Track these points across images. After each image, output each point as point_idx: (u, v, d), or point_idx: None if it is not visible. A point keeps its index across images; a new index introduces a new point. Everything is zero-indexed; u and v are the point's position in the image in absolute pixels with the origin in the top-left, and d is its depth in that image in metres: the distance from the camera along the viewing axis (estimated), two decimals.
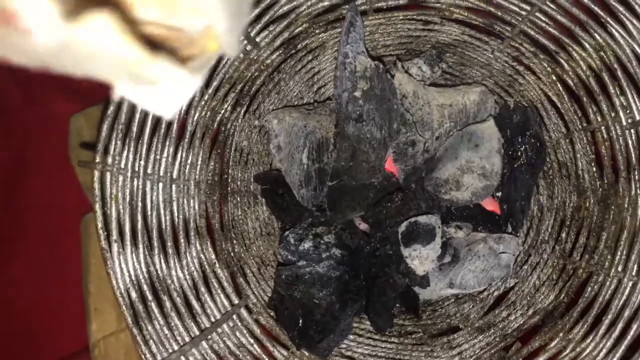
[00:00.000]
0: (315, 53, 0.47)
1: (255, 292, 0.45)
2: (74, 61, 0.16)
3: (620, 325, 0.40)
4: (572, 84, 0.44)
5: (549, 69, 0.45)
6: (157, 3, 0.15)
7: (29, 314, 0.62)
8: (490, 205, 0.49)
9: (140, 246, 0.39)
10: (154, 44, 0.16)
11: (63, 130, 0.60)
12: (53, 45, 0.14)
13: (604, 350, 0.41)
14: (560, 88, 0.45)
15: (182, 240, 0.41)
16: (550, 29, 0.43)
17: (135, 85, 0.18)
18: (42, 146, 0.66)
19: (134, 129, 0.38)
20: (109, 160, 0.37)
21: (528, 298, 0.47)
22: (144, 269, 0.38)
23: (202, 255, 0.42)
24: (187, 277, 0.41)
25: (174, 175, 0.42)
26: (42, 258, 0.62)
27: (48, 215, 0.64)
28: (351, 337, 0.47)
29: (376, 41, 0.48)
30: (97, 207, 0.37)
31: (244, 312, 0.43)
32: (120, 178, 0.38)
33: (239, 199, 0.47)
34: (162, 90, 0.18)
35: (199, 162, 0.43)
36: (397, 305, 0.50)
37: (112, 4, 0.15)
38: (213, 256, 0.43)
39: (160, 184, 0.41)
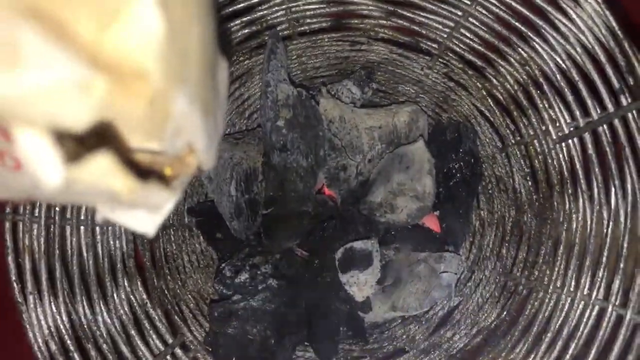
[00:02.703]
0: (242, 80, 0.46)
1: (193, 329, 0.44)
2: (65, 196, 0.17)
3: (559, 344, 0.40)
4: (502, 98, 0.44)
5: (478, 84, 0.44)
6: (144, 129, 0.17)
7: None
8: (432, 223, 0.48)
9: (60, 295, 0.37)
10: (142, 171, 0.18)
11: None
12: (57, 187, 0.15)
13: None
14: (491, 103, 0.45)
15: (108, 284, 0.40)
16: (476, 45, 0.42)
17: (116, 208, 0.19)
18: None
19: None
20: (20, 209, 0.36)
21: (472, 316, 0.46)
22: (65, 319, 0.37)
23: (131, 296, 0.41)
24: (116, 321, 0.40)
25: (97, 217, 0.40)
26: None
27: None
28: None
29: (305, 64, 0.47)
30: (10, 259, 0.36)
31: (179, 352, 0.42)
32: (35, 227, 0.37)
33: (172, 232, 0.46)
34: (143, 211, 0.20)
35: None
36: (344, 329, 0.49)
37: (107, 138, 0.16)
38: (144, 296, 0.42)
39: (82, 227, 0.39)
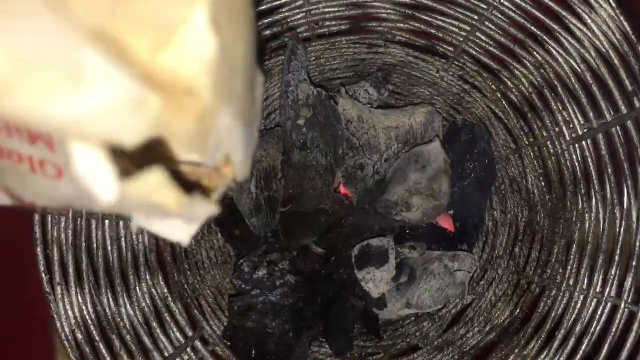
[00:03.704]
0: None
1: (212, 323, 0.45)
2: (116, 209, 0.18)
3: (572, 341, 0.41)
4: (516, 100, 0.45)
5: (493, 86, 0.45)
6: (190, 143, 0.17)
7: None
8: (446, 223, 0.49)
9: (86, 286, 0.38)
10: (188, 184, 0.19)
11: None
12: (111, 201, 0.16)
13: None
14: (506, 105, 0.46)
15: (131, 277, 0.41)
16: (491, 48, 0.43)
17: (152, 218, 0.20)
18: None
19: None
20: None
21: (485, 314, 0.47)
22: (91, 310, 0.38)
23: (153, 290, 0.42)
24: (138, 313, 0.41)
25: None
26: (8, 294, 0.62)
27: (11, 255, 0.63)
28: None
29: (323, 66, 0.48)
30: (39, 250, 0.37)
31: (199, 345, 0.43)
32: (63, 220, 0.38)
33: None
34: (178, 221, 0.20)
35: None
36: (358, 326, 0.50)
37: (157, 152, 0.17)
38: (165, 290, 0.43)
39: (107, 222, 0.40)
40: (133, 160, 0.17)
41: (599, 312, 0.40)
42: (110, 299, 0.40)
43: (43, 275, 0.37)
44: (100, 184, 0.15)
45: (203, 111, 0.16)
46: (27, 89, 0.13)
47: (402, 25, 0.45)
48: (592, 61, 0.39)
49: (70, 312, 0.37)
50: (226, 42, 0.16)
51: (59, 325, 0.37)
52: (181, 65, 0.15)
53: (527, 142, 0.45)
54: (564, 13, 0.38)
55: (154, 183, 0.16)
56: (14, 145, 0.17)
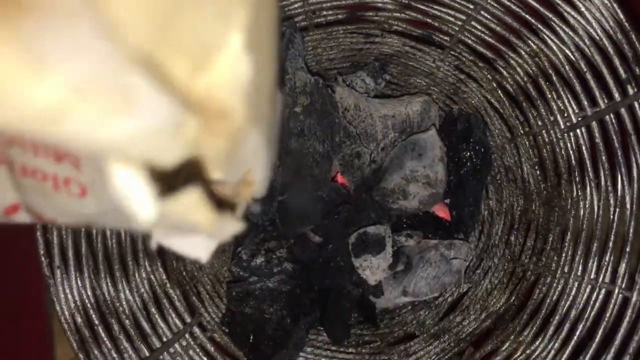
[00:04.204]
0: None
1: (210, 310, 0.46)
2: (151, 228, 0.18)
3: (567, 326, 0.41)
4: (511, 90, 0.45)
5: (488, 76, 0.46)
6: (218, 163, 0.17)
7: None
8: (442, 211, 0.50)
9: (86, 271, 0.39)
10: (218, 202, 0.18)
11: None
12: (150, 221, 0.15)
13: (552, 352, 0.41)
14: (501, 94, 0.46)
15: (130, 263, 0.42)
16: (487, 37, 0.44)
17: (171, 234, 0.19)
18: None
19: None
20: None
21: (481, 302, 0.47)
22: (90, 294, 0.39)
23: (152, 276, 0.43)
24: (137, 299, 0.41)
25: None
26: (3, 281, 0.62)
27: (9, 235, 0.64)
28: (309, 349, 0.47)
29: (320, 55, 0.48)
30: (39, 234, 0.37)
31: (197, 331, 0.44)
32: None
33: None
34: (199, 237, 0.19)
35: None
36: (355, 315, 0.50)
37: (190, 173, 0.17)
38: (164, 276, 0.44)
39: None
40: (166, 180, 0.17)
41: (593, 298, 0.40)
42: (109, 284, 0.40)
43: (42, 258, 0.37)
44: (140, 204, 0.16)
45: (235, 132, 0.16)
46: (79, 114, 0.13)
47: (398, 14, 0.45)
48: (586, 49, 0.39)
49: (69, 296, 0.38)
50: (259, 65, 0.16)
51: (58, 308, 0.37)
52: (217, 88, 0.15)
53: (522, 131, 0.46)
54: (558, 1, 0.39)
55: (191, 202, 0.16)
56: (38, 164, 0.17)
